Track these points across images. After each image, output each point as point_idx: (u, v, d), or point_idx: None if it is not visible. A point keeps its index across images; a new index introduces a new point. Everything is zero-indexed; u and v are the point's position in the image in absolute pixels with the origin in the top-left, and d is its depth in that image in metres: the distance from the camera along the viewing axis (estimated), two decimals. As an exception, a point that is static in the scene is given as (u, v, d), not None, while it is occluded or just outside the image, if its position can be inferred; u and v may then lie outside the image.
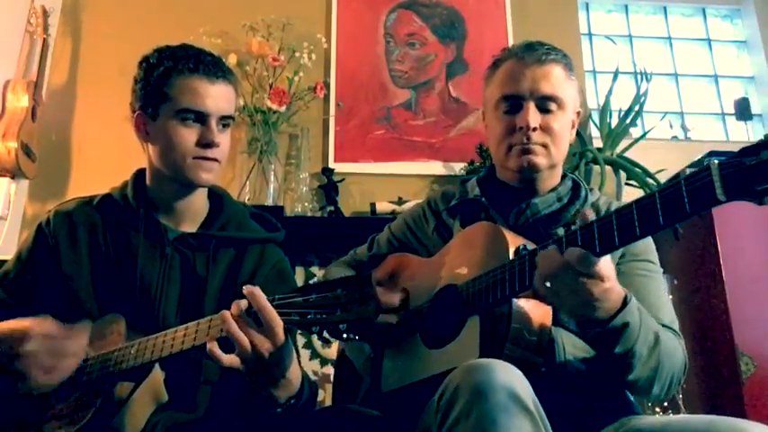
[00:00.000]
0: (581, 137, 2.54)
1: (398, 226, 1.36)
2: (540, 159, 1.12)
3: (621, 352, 0.90)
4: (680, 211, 0.73)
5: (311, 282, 2.26)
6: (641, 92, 2.55)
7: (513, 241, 0.99)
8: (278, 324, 0.89)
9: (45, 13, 2.37)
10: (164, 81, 1.13)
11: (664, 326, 1.04)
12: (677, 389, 1.04)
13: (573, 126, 1.20)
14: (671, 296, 2.15)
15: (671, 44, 2.98)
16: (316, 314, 0.86)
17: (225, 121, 1.17)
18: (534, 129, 1.11)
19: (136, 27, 2.54)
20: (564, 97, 1.13)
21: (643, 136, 2.52)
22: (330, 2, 2.66)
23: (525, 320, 0.93)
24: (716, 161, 0.71)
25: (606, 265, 0.85)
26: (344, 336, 0.88)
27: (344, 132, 2.52)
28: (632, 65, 2.84)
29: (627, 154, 2.46)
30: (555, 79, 1.13)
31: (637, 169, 2.37)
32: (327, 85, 2.51)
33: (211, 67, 1.14)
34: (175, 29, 2.47)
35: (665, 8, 3.04)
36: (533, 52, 1.14)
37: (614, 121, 2.54)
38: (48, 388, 1.02)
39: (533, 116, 1.11)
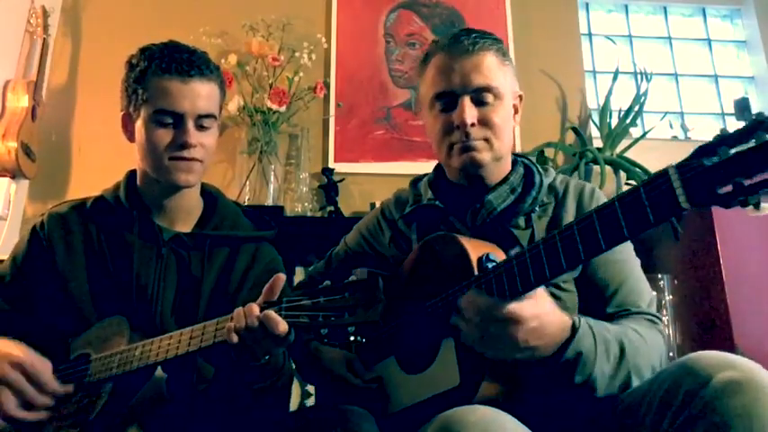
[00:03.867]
0: (581, 137, 2.54)
1: (354, 238, 1.31)
2: (484, 155, 1.08)
3: (581, 381, 0.87)
4: (644, 222, 0.68)
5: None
6: (641, 92, 2.55)
7: (475, 251, 0.95)
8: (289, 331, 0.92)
9: (45, 13, 2.36)
10: (141, 82, 1.13)
11: (641, 313, 1.02)
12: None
13: (516, 112, 1.16)
14: (671, 296, 2.16)
15: (671, 44, 2.98)
16: (324, 317, 0.87)
17: (204, 120, 1.14)
18: (472, 125, 1.06)
19: (136, 27, 2.54)
20: (499, 86, 1.08)
21: (643, 136, 2.52)
22: (330, 2, 2.66)
23: None
24: (674, 165, 0.66)
25: (527, 304, 0.82)
26: (351, 338, 0.88)
27: (344, 132, 2.52)
28: (632, 65, 2.84)
29: (627, 154, 2.46)
30: (487, 69, 1.07)
31: (637, 169, 2.37)
32: (327, 85, 2.51)
33: (185, 66, 1.12)
34: (175, 29, 2.45)
35: (665, 8, 3.04)
36: (460, 44, 1.08)
37: (614, 121, 2.54)
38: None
39: (469, 112, 1.06)
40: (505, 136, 1.10)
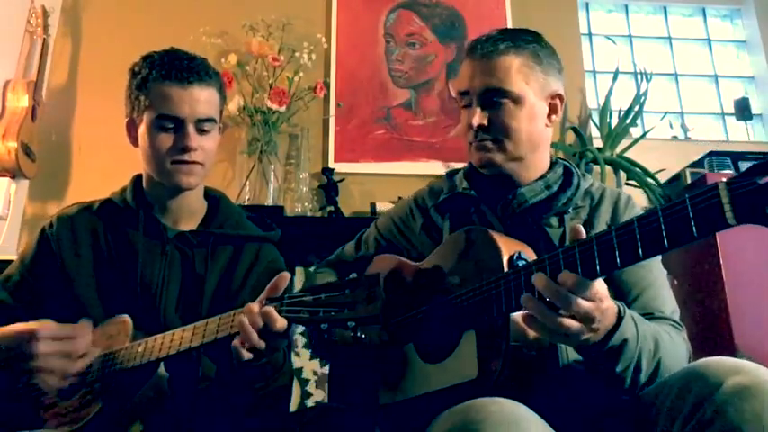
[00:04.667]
0: (581, 137, 2.54)
1: (385, 224, 1.31)
2: (495, 156, 1.09)
3: (623, 369, 0.87)
4: (686, 235, 0.67)
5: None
6: (641, 92, 2.55)
7: (507, 248, 0.94)
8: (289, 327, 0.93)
9: (45, 13, 2.36)
10: (142, 89, 1.17)
11: (665, 318, 1.02)
12: None
13: (554, 112, 1.14)
14: (671, 296, 2.16)
15: (671, 44, 2.98)
16: (324, 312, 0.89)
17: (204, 124, 1.17)
18: (479, 126, 1.08)
19: (136, 27, 2.54)
20: (514, 88, 1.07)
21: (643, 136, 2.52)
22: (330, 2, 2.66)
23: (524, 336, 0.89)
24: (723, 180, 0.65)
25: (601, 283, 0.81)
26: (352, 334, 0.90)
27: (344, 132, 2.52)
28: (632, 65, 2.84)
29: (627, 154, 2.46)
30: (501, 72, 1.07)
31: (637, 169, 2.38)
32: (327, 85, 2.52)
33: (185, 72, 1.15)
34: (176, 29, 2.47)
35: (665, 8, 3.04)
36: (479, 48, 1.11)
37: (614, 121, 2.54)
38: (55, 389, 1.04)
39: (478, 115, 1.08)
40: (521, 138, 1.10)
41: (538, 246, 0.99)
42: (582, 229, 0.81)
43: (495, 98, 1.08)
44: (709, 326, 2.03)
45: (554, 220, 1.10)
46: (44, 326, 1.01)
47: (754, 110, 2.78)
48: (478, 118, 1.09)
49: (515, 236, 1.01)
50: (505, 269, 0.92)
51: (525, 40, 1.12)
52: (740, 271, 2.00)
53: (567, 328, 0.79)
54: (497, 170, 1.11)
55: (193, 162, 1.16)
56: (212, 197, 1.32)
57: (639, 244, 0.72)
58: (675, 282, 2.19)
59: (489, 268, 0.95)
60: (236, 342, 0.95)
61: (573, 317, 0.79)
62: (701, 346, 2.05)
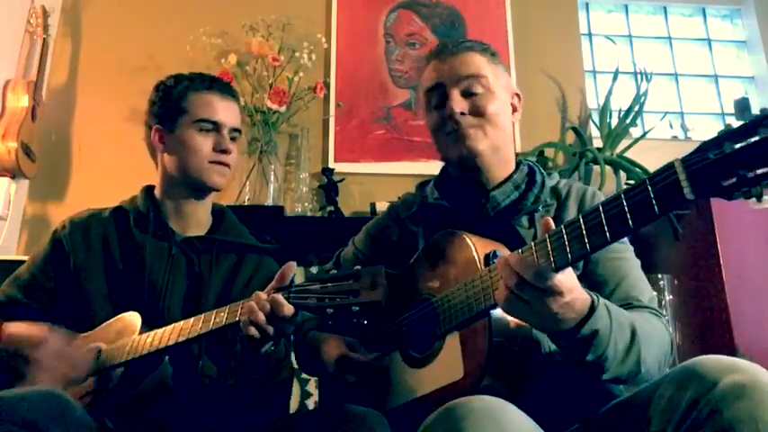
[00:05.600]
0: (581, 137, 2.54)
1: (361, 239, 1.33)
2: (478, 144, 1.11)
3: (593, 359, 0.87)
4: (649, 213, 0.70)
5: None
6: (641, 92, 2.55)
7: (482, 248, 0.96)
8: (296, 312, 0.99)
9: (45, 13, 2.36)
10: (182, 97, 1.29)
11: (644, 307, 1.03)
12: (668, 365, 1.01)
13: (515, 110, 1.19)
14: (671, 296, 2.16)
15: (671, 44, 2.98)
16: (330, 299, 0.95)
17: (234, 133, 1.32)
18: (462, 113, 1.10)
19: (136, 27, 2.54)
20: (489, 77, 1.13)
21: (643, 136, 2.52)
22: (330, 2, 2.66)
23: (506, 332, 0.91)
24: (679, 158, 0.68)
25: (567, 277, 0.81)
26: (355, 320, 0.95)
27: (344, 132, 2.52)
28: (632, 65, 2.84)
29: (627, 154, 2.46)
30: (474, 63, 1.13)
31: (637, 169, 2.37)
32: (327, 85, 2.51)
33: (223, 86, 1.33)
34: (175, 29, 2.47)
35: (665, 8, 3.04)
36: (446, 47, 1.17)
37: (614, 121, 2.54)
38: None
39: (458, 102, 1.11)
40: (500, 125, 1.13)
41: (512, 246, 1.00)
42: (551, 220, 0.82)
43: (473, 85, 1.12)
44: (710, 326, 2.03)
45: (524, 220, 1.11)
46: (52, 338, 1.10)
47: (754, 110, 2.77)
48: (460, 104, 1.11)
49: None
50: (482, 268, 0.94)
51: (483, 44, 1.18)
52: (740, 271, 2.00)
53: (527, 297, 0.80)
54: (478, 163, 1.12)
55: (227, 164, 1.28)
56: (217, 211, 1.39)
57: (606, 228, 0.74)
58: (676, 281, 2.19)
59: (466, 269, 0.97)
60: (244, 319, 0.98)
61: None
62: (701, 346, 2.05)
